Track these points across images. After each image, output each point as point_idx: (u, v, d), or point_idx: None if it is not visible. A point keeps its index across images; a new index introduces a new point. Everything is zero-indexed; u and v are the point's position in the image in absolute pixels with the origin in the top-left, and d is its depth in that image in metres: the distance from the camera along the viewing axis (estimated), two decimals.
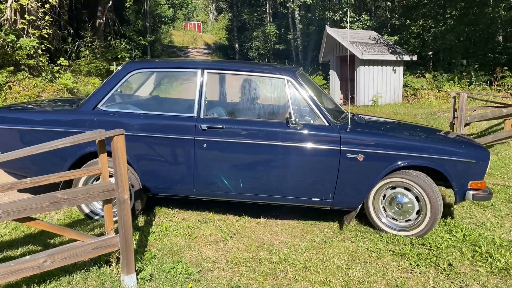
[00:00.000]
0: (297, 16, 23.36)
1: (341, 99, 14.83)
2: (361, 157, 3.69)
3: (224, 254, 3.60)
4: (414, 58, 15.28)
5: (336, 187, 3.76)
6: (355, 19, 17.97)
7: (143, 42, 19.49)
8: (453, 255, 3.58)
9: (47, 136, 3.79)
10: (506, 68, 14.37)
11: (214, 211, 4.51)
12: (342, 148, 3.70)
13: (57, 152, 3.73)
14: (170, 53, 33.24)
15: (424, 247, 3.72)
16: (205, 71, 3.94)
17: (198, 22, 51.80)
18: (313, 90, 4.02)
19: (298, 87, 3.87)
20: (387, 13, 21.04)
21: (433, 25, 18.45)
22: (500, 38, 17.75)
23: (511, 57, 16.41)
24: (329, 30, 13.56)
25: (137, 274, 3.01)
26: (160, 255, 3.47)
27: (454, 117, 7.29)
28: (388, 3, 21.51)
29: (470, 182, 3.79)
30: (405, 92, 15.38)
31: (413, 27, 18.71)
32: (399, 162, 3.71)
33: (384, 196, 3.90)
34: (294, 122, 3.71)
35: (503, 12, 17.50)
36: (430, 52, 18.07)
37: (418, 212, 3.83)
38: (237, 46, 32.84)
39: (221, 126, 3.79)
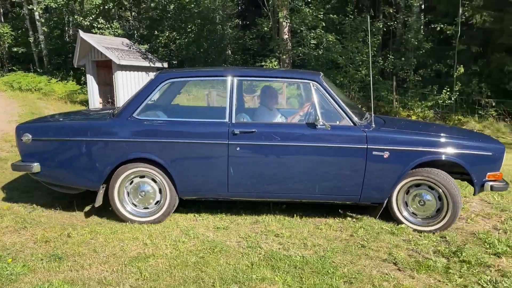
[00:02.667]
0: (37, 17, 21.71)
1: (100, 103, 14.97)
2: (386, 154, 3.87)
3: (29, 237, 3.78)
4: (165, 65, 16.82)
5: (363, 184, 3.94)
6: (107, 26, 18.30)
7: None
8: None
9: (85, 146, 4.01)
10: None
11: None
12: (368, 146, 3.87)
13: (97, 160, 4.01)
14: None
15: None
16: (235, 78, 4.10)
17: None
18: (337, 92, 4.23)
19: (323, 90, 4.03)
20: (136, 23, 22.14)
21: (177, 37, 20.58)
22: (229, 51, 21.43)
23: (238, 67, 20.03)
24: (83, 35, 13.54)
25: None
26: None
27: None
28: (134, 13, 22.62)
29: (488, 173, 3.98)
30: None
31: (161, 38, 20.40)
32: (422, 158, 3.88)
33: (408, 191, 4.06)
34: (322, 123, 3.88)
35: (230, 30, 21.19)
36: (175, 62, 20.12)
37: (438, 210, 3.98)
38: None
39: (253, 130, 3.95)
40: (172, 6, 20.24)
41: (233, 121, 3.98)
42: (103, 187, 4.13)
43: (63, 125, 4.34)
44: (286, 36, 16.52)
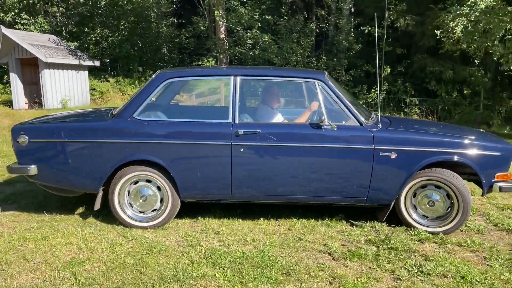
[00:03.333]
0: None
1: (26, 103, 14.03)
2: (393, 155, 3.78)
3: None
4: (97, 63, 16.16)
5: (370, 185, 3.85)
6: (31, 21, 17.18)
7: None
8: None
9: (83, 147, 3.86)
10: None
11: None
12: (375, 147, 3.78)
13: (96, 162, 3.85)
14: None
15: None
16: (238, 77, 3.97)
17: None
18: (342, 92, 4.11)
19: (328, 89, 3.94)
20: (65, 19, 20.98)
21: (110, 34, 19.83)
22: (165, 50, 21.04)
23: (174, 66, 19.77)
24: (5, 30, 12.61)
25: None
26: None
27: None
28: (62, 9, 21.44)
29: (496, 174, 3.90)
30: (92, 95, 16.07)
31: (92, 35, 19.53)
32: (431, 158, 3.80)
33: (415, 194, 3.97)
34: (327, 123, 3.78)
35: (165, 29, 20.81)
36: (108, 60, 19.40)
37: (448, 208, 3.92)
38: None
39: (257, 131, 3.82)
40: (103, 2, 19.47)
41: (237, 121, 3.87)
42: (102, 190, 3.99)
43: (61, 126, 4.10)
44: (223, 36, 16.56)
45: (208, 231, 3.92)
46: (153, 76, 4.11)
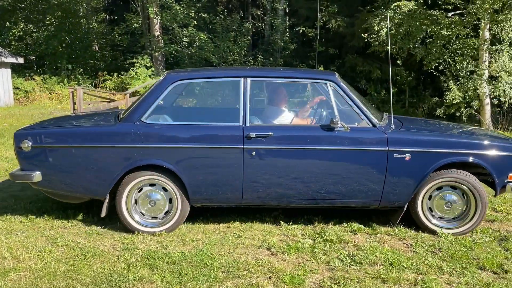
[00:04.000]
0: None
1: None
2: (408, 157, 3.71)
3: None
4: (21, 60, 15.11)
5: (384, 187, 3.77)
6: None
7: None
8: None
9: (90, 152, 3.73)
10: (106, 72, 16.66)
11: None
12: (389, 149, 3.71)
13: (104, 167, 3.72)
14: None
15: None
16: (248, 79, 3.82)
17: None
18: (354, 93, 3.98)
19: (340, 89, 3.85)
20: None
21: (35, 30, 18.61)
22: (96, 47, 20.15)
23: (107, 64, 19.02)
24: None
25: None
26: None
27: (74, 110, 8.26)
28: None
29: (510, 174, 3.85)
30: (16, 94, 15.00)
31: (14, 30, 18.21)
32: (446, 159, 3.74)
33: (430, 196, 3.89)
34: (341, 125, 3.69)
35: (96, 25, 19.93)
36: (33, 57, 18.20)
37: (465, 209, 3.88)
38: None
39: (270, 133, 3.70)
40: None
41: (247, 124, 3.77)
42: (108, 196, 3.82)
43: (66, 130, 3.96)
44: (158, 33, 16.20)
45: (145, 234, 3.82)
46: (161, 78, 3.98)
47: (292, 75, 4.40)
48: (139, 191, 3.83)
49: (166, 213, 3.86)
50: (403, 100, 13.80)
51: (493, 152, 3.83)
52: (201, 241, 3.69)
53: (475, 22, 9.07)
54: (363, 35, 10.09)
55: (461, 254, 3.45)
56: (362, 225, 4.05)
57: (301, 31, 14.36)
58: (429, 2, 9.20)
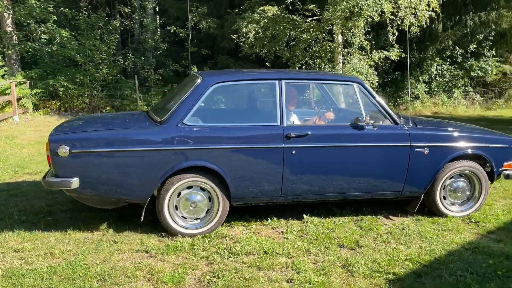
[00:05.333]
0: None
1: None
2: (426, 151, 4.14)
3: None
4: None
5: (406, 179, 4.16)
6: None
7: None
8: None
9: (132, 156, 3.67)
10: None
11: None
12: (411, 144, 4.11)
13: (147, 171, 3.68)
14: None
15: None
16: (283, 81, 3.99)
17: None
18: (376, 94, 4.24)
19: (365, 91, 4.15)
20: None
21: None
22: None
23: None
24: None
25: None
26: None
27: None
28: None
29: (504, 163, 4.46)
30: None
31: None
32: (458, 152, 4.25)
33: (444, 186, 4.37)
34: (370, 124, 3.99)
35: None
36: None
37: (471, 194, 4.46)
38: None
39: (308, 133, 3.90)
40: None
41: (284, 124, 3.93)
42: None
43: (105, 135, 3.81)
44: (10, 29, 14.49)
45: (5, 251, 3.46)
46: (198, 81, 4.01)
47: (322, 77, 4.79)
48: (178, 196, 3.85)
49: (207, 213, 3.92)
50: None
51: (493, 145, 4.46)
52: (72, 252, 3.47)
53: (330, 28, 10.08)
54: (232, 36, 10.45)
55: (325, 236, 3.87)
56: (238, 219, 4.25)
57: (172, 30, 14.24)
58: (290, 8, 9.95)
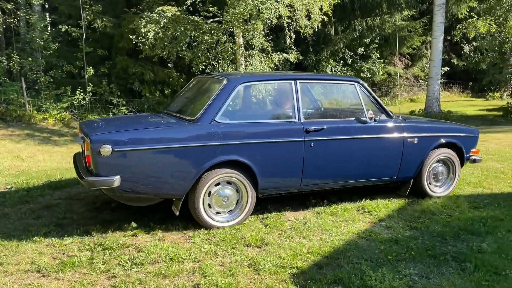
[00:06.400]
0: None
1: None
2: (415, 140, 4.82)
3: None
4: None
5: (400, 165, 4.80)
6: None
7: None
8: None
9: (172, 153, 3.86)
10: None
11: None
12: (404, 135, 4.77)
13: (185, 166, 3.89)
14: None
15: None
16: (297, 81, 4.45)
17: None
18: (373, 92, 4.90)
19: (364, 89, 4.75)
20: None
21: None
22: None
23: None
24: None
25: None
26: None
27: None
28: None
29: (471, 150, 5.36)
30: None
31: None
32: (440, 141, 5.03)
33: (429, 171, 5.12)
34: (371, 118, 4.58)
35: None
36: None
37: (448, 176, 5.29)
38: None
39: (324, 127, 4.39)
40: None
41: (302, 120, 4.36)
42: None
43: (146, 133, 3.97)
44: None
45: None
46: (224, 82, 4.27)
47: (328, 78, 5.56)
48: (209, 195, 4.08)
49: (237, 204, 4.20)
50: None
51: (463, 134, 5.31)
52: None
53: (231, 30, 10.19)
54: (130, 36, 10.03)
55: (231, 236, 3.89)
56: (139, 227, 4.08)
57: (64, 29, 13.24)
58: (191, 8, 9.85)
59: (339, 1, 11.90)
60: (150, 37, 9.38)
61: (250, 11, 9.25)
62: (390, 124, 4.79)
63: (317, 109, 5.08)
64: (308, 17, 9.98)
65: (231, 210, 4.20)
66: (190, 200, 4.01)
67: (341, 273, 3.20)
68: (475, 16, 17.30)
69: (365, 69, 18.09)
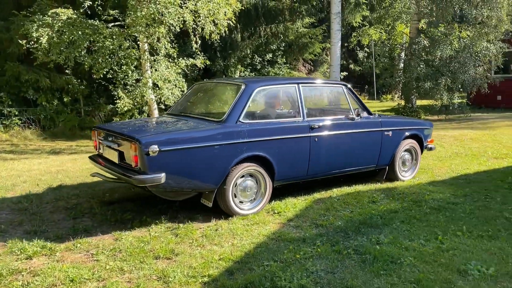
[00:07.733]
0: None
1: None
2: (390, 134, 5.89)
3: None
4: None
5: (379, 155, 5.87)
6: None
7: None
8: None
9: (209, 150, 4.37)
10: None
11: None
12: (382, 129, 5.82)
13: (219, 161, 4.42)
14: None
15: None
16: (300, 85, 5.24)
17: None
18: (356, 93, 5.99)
19: (350, 91, 5.74)
20: None
21: None
22: None
23: None
24: None
25: None
26: None
27: None
28: None
29: (428, 140, 6.54)
30: None
31: None
32: (406, 133, 6.13)
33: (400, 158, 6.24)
34: (358, 115, 5.53)
35: None
36: None
37: (413, 163, 6.44)
38: None
39: (324, 124, 5.22)
40: None
41: (306, 118, 5.10)
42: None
43: (188, 134, 4.48)
44: None
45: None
46: (243, 87, 4.86)
47: (321, 82, 6.25)
48: (235, 185, 4.63)
49: (256, 194, 4.81)
50: (78, 109, 13.54)
51: (422, 127, 6.45)
52: None
53: (134, 35, 9.81)
54: (20, 41, 9.18)
55: (139, 250, 3.72)
56: (39, 247, 3.73)
57: None
58: (89, 12, 9.29)
59: (243, 8, 12.11)
60: (43, 42, 8.66)
61: (152, 15, 9.00)
62: (371, 120, 5.77)
63: (316, 109, 5.79)
64: (214, 23, 9.99)
65: (252, 200, 4.79)
66: (220, 192, 4.52)
67: (252, 276, 3.22)
68: (368, 24, 18.80)
69: (272, 74, 18.65)
